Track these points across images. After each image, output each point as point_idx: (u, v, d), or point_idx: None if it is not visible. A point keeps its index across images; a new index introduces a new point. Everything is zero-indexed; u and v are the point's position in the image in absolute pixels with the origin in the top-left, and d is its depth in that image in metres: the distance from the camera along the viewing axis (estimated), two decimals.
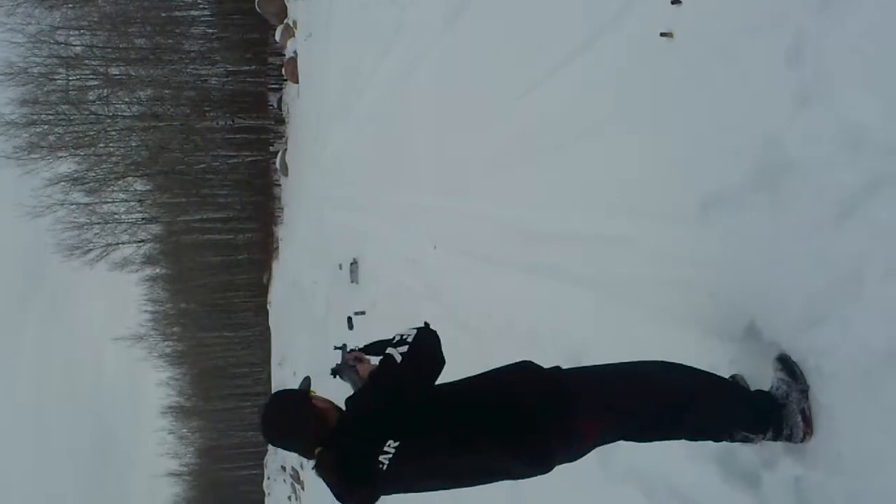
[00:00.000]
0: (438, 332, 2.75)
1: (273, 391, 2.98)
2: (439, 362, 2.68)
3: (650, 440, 2.95)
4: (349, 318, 12.53)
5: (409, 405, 2.56)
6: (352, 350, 3.00)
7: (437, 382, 2.71)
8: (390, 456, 2.47)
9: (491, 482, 2.72)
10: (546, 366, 2.79)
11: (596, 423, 2.63)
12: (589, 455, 2.76)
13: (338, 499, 2.60)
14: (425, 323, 2.80)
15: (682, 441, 2.99)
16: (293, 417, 2.67)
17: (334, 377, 2.86)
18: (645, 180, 4.15)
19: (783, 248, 2.92)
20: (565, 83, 5.35)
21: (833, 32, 2.76)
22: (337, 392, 2.85)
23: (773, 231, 2.98)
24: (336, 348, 3.05)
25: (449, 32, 8.51)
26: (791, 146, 2.92)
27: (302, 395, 2.73)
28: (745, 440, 2.86)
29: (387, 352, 2.63)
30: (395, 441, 2.48)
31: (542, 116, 5.78)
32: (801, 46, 2.92)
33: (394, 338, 2.68)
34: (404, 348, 2.60)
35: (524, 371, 2.75)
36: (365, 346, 2.97)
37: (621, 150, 4.46)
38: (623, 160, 4.43)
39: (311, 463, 2.60)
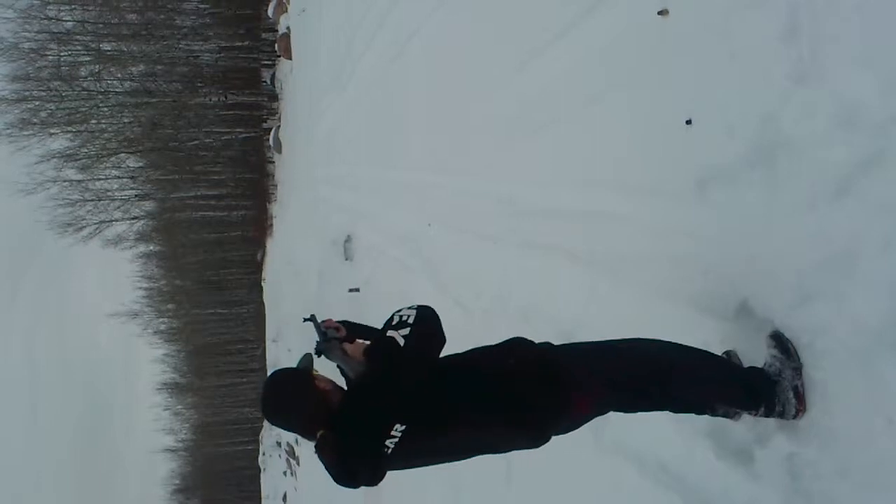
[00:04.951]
0: (437, 310, 2.70)
1: (269, 368, 2.92)
2: (441, 342, 2.63)
3: (640, 410, 2.95)
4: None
5: (415, 389, 2.53)
6: (324, 321, 2.86)
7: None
8: (396, 440, 2.45)
9: (487, 454, 2.75)
10: (537, 342, 2.81)
11: (590, 394, 2.65)
12: (581, 429, 2.78)
13: (336, 480, 2.55)
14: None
15: (674, 415, 3.01)
16: (293, 397, 2.63)
17: (318, 357, 2.76)
18: (641, 157, 4.13)
19: (778, 225, 2.91)
20: (560, 59, 5.32)
21: (828, 8, 2.74)
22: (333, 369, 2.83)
23: (769, 208, 2.98)
24: (305, 320, 2.89)
25: (444, 7, 8.44)
26: (787, 123, 2.91)
27: (303, 375, 2.68)
28: (725, 414, 2.89)
29: (388, 335, 2.56)
30: (401, 425, 2.46)
31: (536, 92, 5.75)
32: (796, 23, 2.90)
33: (392, 318, 2.61)
34: (405, 330, 2.53)
35: (517, 347, 2.76)
36: (349, 323, 2.89)
37: (616, 127, 4.44)
38: (618, 136, 4.41)
39: (311, 443, 2.58)
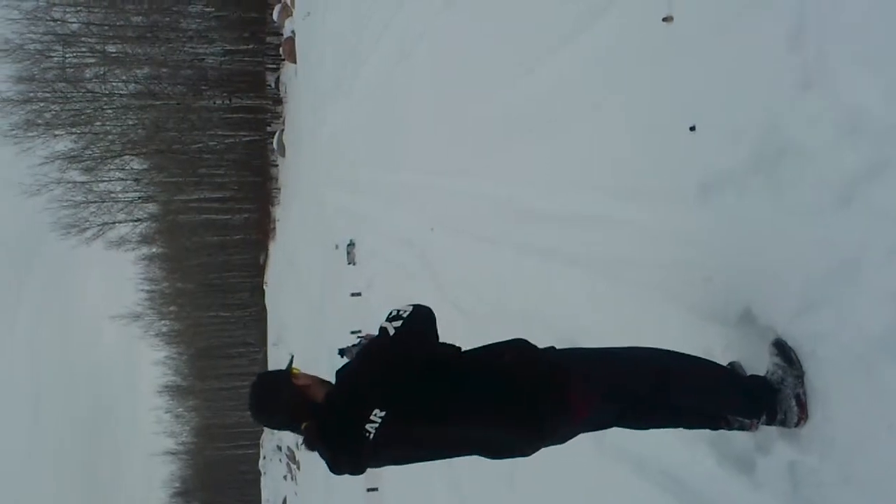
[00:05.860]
0: (434, 311, 2.76)
1: (263, 371, 3.08)
2: (431, 340, 2.71)
3: (644, 427, 2.96)
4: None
5: (398, 377, 2.58)
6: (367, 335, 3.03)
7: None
8: (376, 425, 2.50)
9: (480, 454, 2.75)
10: (540, 346, 2.80)
11: (587, 399, 2.64)
12: (583, 436, 2.77)
13: (330, 469, 2.65)
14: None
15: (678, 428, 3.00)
16: (273, 397, 2.76)
17: (341, 356, 2.89)
18: (644, 161, 4.12)
19: (781, 232, 2.90)
20: (565, 64, 5.32)
21: (834, 13, 2.73)
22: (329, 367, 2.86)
23: (772, 214, 2.97)
24: (353, 332, 3.08)
25: (448, 11, 8.45)
26: (792, 129, 2.90)
27: (282, 375, 2.79)
28: (741, 427, 2.87)
29: (381, 325, 2.66)
30: (381, 411, 2.51)
31: (540, 96, 5.75)
32: (802, 29, 2.89)
33: (390, 312, 2.70)
34: (398, 323, 2.62)
35: (519, 348, 2.76)
36: None
37: (620, 130, 4.44)
38: (622, 140, 4.40)
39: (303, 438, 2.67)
